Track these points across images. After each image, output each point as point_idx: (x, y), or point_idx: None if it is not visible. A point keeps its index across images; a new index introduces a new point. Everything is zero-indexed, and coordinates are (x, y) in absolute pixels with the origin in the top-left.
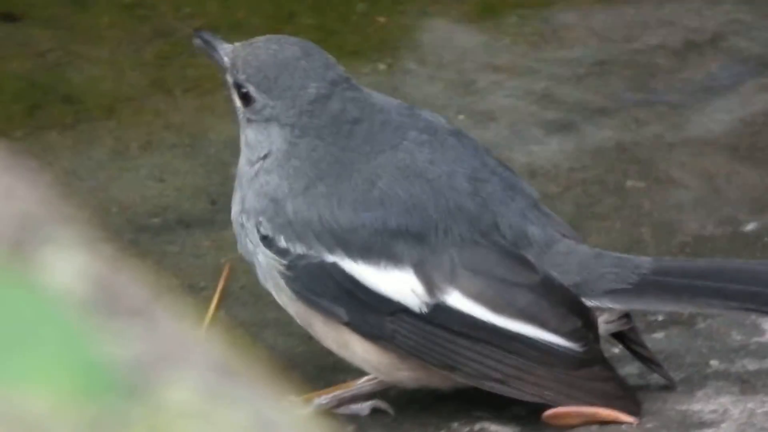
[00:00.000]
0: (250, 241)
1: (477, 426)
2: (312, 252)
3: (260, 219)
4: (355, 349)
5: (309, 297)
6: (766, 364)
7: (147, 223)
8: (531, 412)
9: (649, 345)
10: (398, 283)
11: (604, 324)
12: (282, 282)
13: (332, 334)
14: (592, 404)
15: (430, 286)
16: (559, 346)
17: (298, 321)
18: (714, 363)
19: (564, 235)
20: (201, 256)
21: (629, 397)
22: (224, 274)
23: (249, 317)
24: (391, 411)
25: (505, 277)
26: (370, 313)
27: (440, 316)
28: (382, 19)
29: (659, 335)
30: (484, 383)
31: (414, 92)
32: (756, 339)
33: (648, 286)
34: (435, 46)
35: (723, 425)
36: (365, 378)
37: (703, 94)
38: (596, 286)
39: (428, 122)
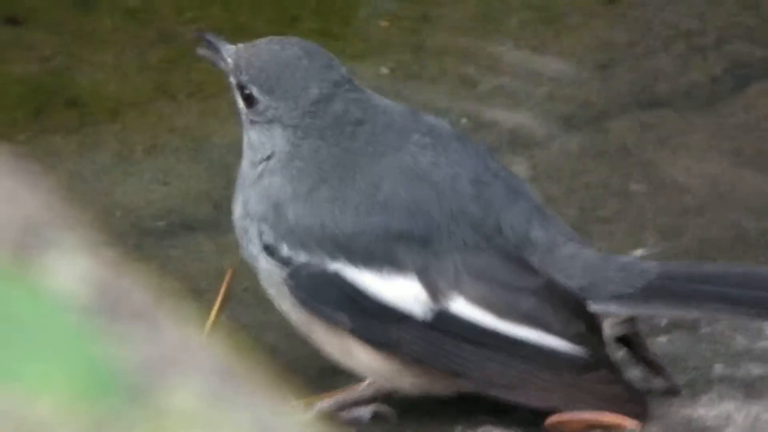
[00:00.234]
0: (253, 246)
1: (479, 430)
2: (314, 260)
3: (263, 227)
4: (360, 356)
5: (312, 305)
6: None
7: (151, 227)
8: (534, 416)
9: (652, 349)
10: (402, 291)
11: (608, 328)
12: (284, 289)
13: (335, 341)
14: (598, 408)
15: (435, 292)
16: (563, 349)
17: (298, 329)
18: (718, 367)
19: (568, 239)
20: (204, 260)
21: (636, 400)
22: (227, 278)
23: (252, 319)
24: (393, 415)
25: (508, 282)
26: (375, 320)
27: (445, 322)
28: (384, 23)
29: (663, 339)
30: (491, 389)
31: (416, 96)
32: (760, 343)
33: (655, 290)
34: (437, 50)
35: (727, 430)
36: (367, 382)
37: (707, 97)
38: (602, 291)
39: (431, 125)
